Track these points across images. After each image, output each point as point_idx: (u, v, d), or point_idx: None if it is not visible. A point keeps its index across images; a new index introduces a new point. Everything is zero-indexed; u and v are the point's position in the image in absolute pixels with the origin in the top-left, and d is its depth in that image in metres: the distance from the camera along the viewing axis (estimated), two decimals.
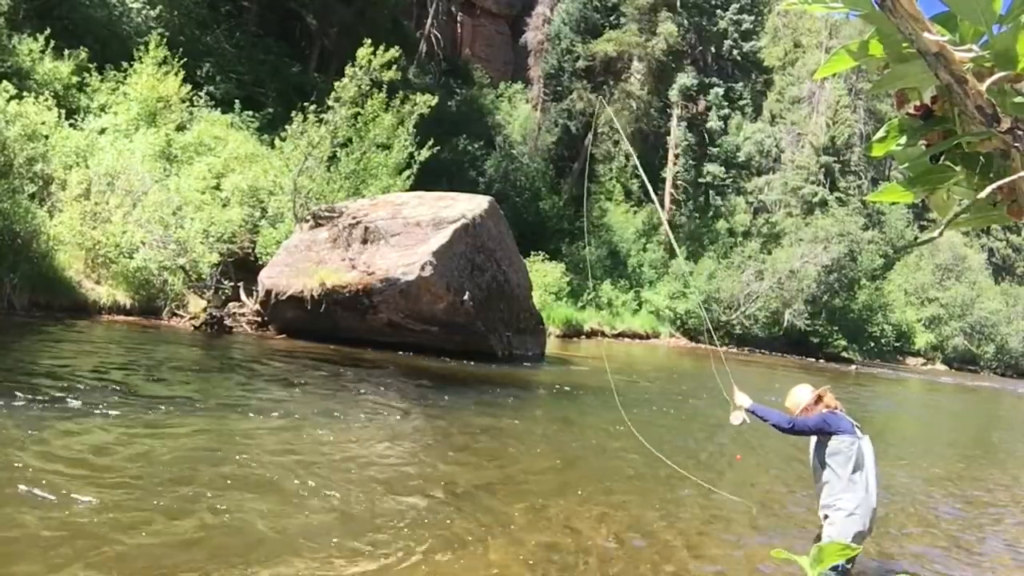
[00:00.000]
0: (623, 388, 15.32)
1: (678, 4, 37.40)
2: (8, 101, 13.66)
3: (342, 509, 5.34)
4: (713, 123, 39.02)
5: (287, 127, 18.48)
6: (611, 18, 38.16)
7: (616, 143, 37.08)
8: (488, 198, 17.00)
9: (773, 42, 54.22)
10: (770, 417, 4.94)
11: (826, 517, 4.80)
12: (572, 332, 27.40)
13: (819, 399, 4.94)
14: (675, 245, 8.16)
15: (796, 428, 4.88)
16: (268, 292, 15.07)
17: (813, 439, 4.90)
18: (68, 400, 7.11)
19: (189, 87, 20.86)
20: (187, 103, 20.69)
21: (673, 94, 38.20)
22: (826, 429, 4.83)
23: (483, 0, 50.68)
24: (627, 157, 36.85)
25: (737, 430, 5.55)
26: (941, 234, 1.83)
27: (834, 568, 4.33)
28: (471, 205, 15.86)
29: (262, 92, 26.30)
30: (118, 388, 8.02)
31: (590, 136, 35.18)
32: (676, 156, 38.88)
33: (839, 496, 4.73)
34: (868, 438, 4.83)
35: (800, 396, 4.97)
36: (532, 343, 17.37)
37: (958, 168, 1.72)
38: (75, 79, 19.35)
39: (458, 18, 49.08)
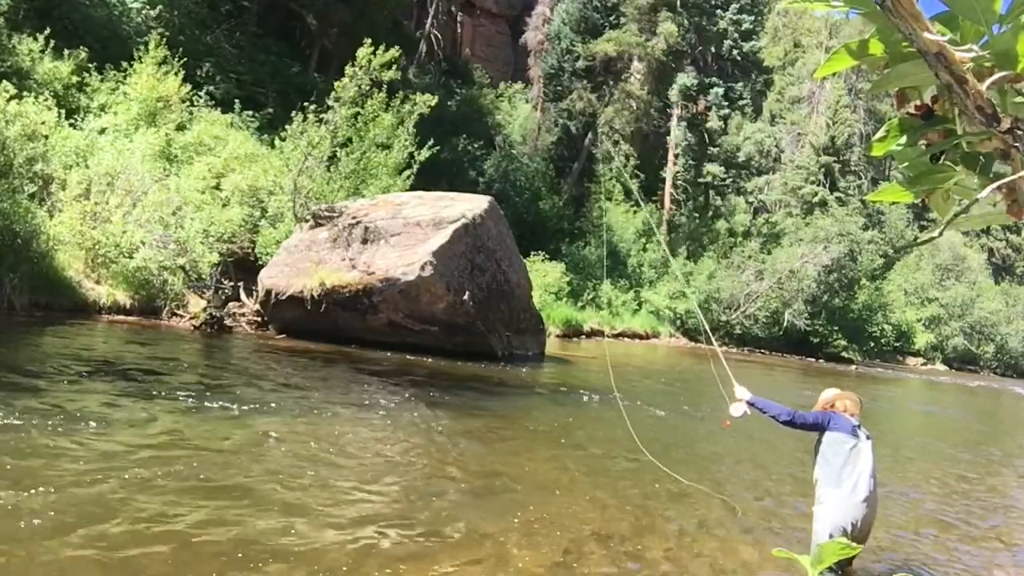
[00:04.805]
0: (624, 388, 15.31)
1: (678, 4, 37.38)
2: (8, 101, 13.64)
3: (341, 508, 5.34)
4: (713, 123, 39.04)
5: (287, 127, 18.47)
6: (611, 18, 38.13)
7: (616, 143, 37.06)
8: (488, 198, 16.99)
9: (773, 42, 54.28)
10: (770, 409, 5.08)
11: (814, 515, 4.91)
12: (572, 332, 27.36)
13: (834, 403, 5.15)
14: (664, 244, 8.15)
15: (795, 421, 5.00)
16: (268, 292, 15.06)
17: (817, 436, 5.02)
18: (67, 400, 7.10)
19: (189, 87, 20.85)
20: (187, 103, 20.68)
21: (673, 94, 38.20)
22: (822, 425, 4.95)
23: (483, 0, 50.68)
24: (627, 157, 36.81)
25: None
26: (941, 234, 1.83)
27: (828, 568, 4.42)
28: (471, 205, 15.86)
29: (262, 92, 26.29)
30: (117, 388, 8.02)
31: (590, 136, 35.15)
32: (677, 156, 38.88)
33: (823, 491, 4.88)
34: (870, 443, 4.92)
35: (823, 396, 5.26)
36: (532, 343, 17.37)
37: (958, 168, 1.73)
38: (75, 79, 19.33)
39: (458, 18, 49.09)
